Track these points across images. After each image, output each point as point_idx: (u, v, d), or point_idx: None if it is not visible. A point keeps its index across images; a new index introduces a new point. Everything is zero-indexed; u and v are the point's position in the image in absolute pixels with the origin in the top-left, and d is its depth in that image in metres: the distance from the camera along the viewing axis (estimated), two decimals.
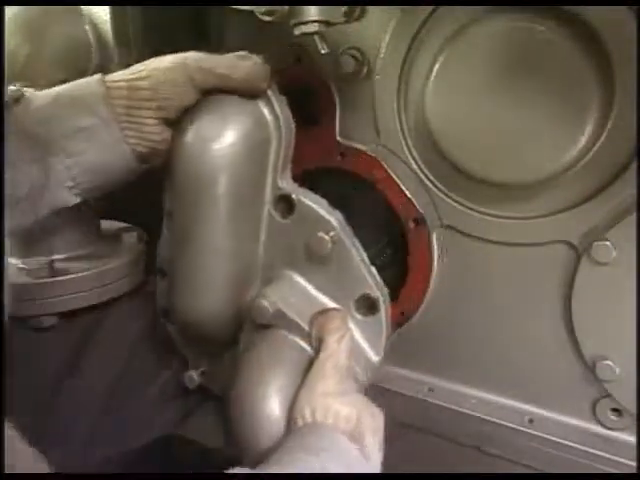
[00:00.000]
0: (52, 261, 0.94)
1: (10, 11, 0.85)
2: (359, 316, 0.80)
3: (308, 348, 0.76)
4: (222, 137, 0.72)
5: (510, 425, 0.93)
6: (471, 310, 0.93)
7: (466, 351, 0.95)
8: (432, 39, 0.83)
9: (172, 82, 0.71)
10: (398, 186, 0.92)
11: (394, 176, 0.92)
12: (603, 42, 0.73)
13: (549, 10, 0.74)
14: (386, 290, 0.81)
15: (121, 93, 0.70)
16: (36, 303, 0.91)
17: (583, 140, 0.76)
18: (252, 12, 0.70)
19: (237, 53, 0.75)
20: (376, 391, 1.03)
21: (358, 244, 0.80)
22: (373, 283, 0.79)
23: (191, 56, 0.73)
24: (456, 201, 0.89)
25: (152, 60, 0.74)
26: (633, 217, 0.76)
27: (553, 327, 0.87)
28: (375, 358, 0.81)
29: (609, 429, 0.87)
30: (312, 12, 0.68)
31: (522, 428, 0.92)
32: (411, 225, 0.93)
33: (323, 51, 0.74)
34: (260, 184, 0.78)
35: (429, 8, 0.82)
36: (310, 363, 0.73)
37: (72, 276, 0.93)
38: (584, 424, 0.89)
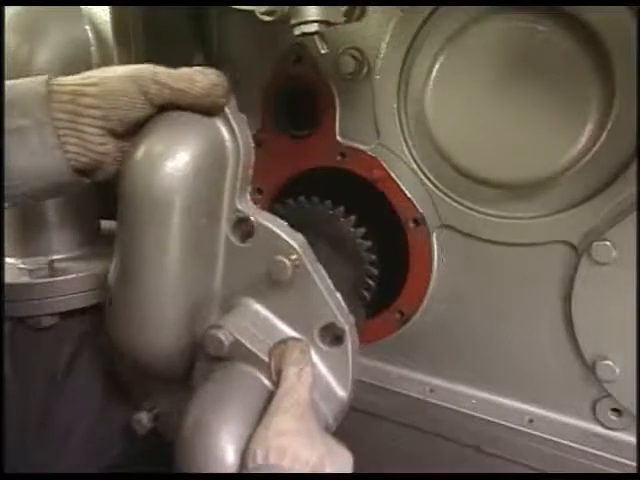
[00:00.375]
0: (52, 261, 0.94)
1: (10, 11, 0.85)
2: (324, 347, 0.74)
3: (268, 382, 0.70)
4: (174, 156, 0.67)
5: (510, 425, 0.93)
6: (471, 310, 0.93)
7: (466, 351, 0.95)
8: (432, 39, 0.83)
9: (122, 92, 0.66)
10: (398, 186, 0.92)
11: (394, 176, 0.92)
12: (603, 42, 0.73)
13: (549, 10, 0.74)
14: (352, 318, 0.76)
15: (65, 97, 0.65)
16: (36, 303, 0.91)
17: (583, 140, 0.76)
18: (252, 12, 0.70)
19: (196, 67, 0.70)
20: (376, 391, 1.03)
21: (321, 269, 0.74)
22: (338, 311, 0.73)
23: (147, 68, 0.68)
24: (456, 201, 0.89)
25: (106, 68, 0.70)
26: (633, 217, 0.76)
27: (553, 327, 0.87)
28: (342, 393, 0.75)
29: (609, 429, 0.87)
30: (312, 12, 0.68)
31: (522, 428, 0.92)
32: (411, 225, 0.93)
33: (323, 51, 0.74)
34: (216, 207, 0.73)
35: (429, 8, 0.82)
36: (270, 399, 0.66)
37: (72, 276, 0.93)
38: (584, 424, 0.89)
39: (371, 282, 1.00)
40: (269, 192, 1.04)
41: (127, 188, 0.69)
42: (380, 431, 1.04)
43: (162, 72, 0.68)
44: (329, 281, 0.75)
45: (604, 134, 0.76)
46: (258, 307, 0.75)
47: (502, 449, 0.93)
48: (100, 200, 1.04)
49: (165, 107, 0.69)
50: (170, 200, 0.68)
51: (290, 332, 0.74)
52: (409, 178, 0.91)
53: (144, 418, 0.87)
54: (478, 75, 0.80)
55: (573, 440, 0.89)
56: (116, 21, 0.82)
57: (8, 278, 0.91)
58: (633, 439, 0.85)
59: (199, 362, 0.75)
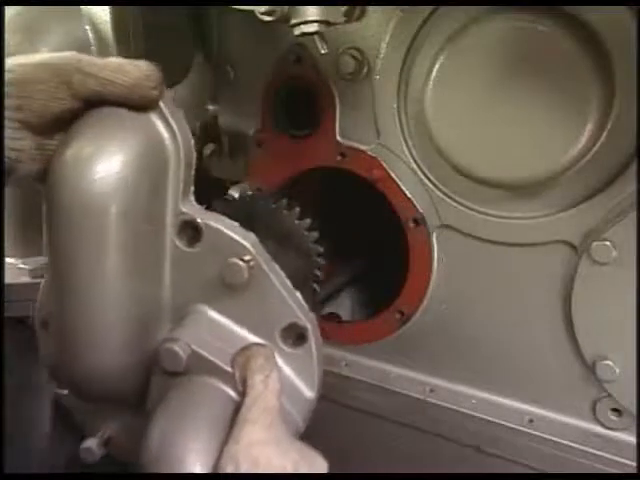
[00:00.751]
0: None
1: (10, 11, 0.85)
2: (287, 348, 0.70)
3: (233, 393, 0.65)
4: (106, 157, 0.61)
5: (510, 425, 0.93)
6: (471, 310, 0.93)
7: (466, 351, 0.95)
8: (432, 39, 0.83)
9: (39, 80, 0.59)
10: (398, 186, 0.92)
11: (394, 176, 0.92)
12: (603, 42, 0.73)
13: (549, 10, 0.74)
14: (313, 316, 0.72)
15: None
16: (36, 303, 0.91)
17: (583, 140, 0.76)
18: (252, 12, 0.70)
19: (129, 60, 0.64)
20: (376, 391, 1.03)
21: (277, 267, 0.70)
22: (299, 310, 0.69)
23: (70, 55, 0.62)
24: (456, 201, 0.89)
25: (26, 55, 0.63)
26: (633, 217, 0.76)
27: (553, 327, 0.87)
28: (309, 394, 0.71)
29: (609, 429, 0.87)
30: (312, 12, 0.68)
31: (522, 428, 0.92)
32: (411, 225, 0.93)
33: (323, 51, 0.74)
34: (159, 211, 0.67)
35: (429, 8, 0.82)
36: (237, 411, 0.62)
37: None
38: (584, 424, 0.89)
39: (320, 274, 0.97)
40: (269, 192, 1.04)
41: (54, 194, 0.61)
42: (380, 431, 1.04)
43: (86, 60, 0.61)
44: (287, 279, 0.71)
45: (604, 134, 0.76)
46: (213, 314, 0.71)
47: (502, 449, 0.93)
48: None
49: (95, 103, 0.63)
50: (104, 206, 0.61)
51: (251, 337, 0.70)
52: (409, 178, 0.91)
53: (93, 445, 0.77)
54: (478, 75, 0.80)
55: (573, 440, 0.89)
56: (116, 21, 0.82)
57: (8, 278, 0.91)
58: (633, 439, 0.85)
59: (155, 379, 0.69)
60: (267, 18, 0.69)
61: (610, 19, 0.72)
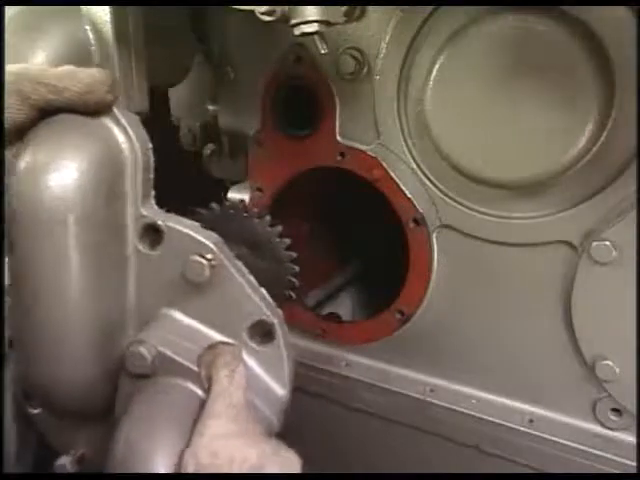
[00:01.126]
0: None
1: (10, 11, 0.85)
2: (255, 346, 0.69)
3: (200, 392, 0.64)
4: (60, 166, 0.60)
5: (510, 425, 0.93)
6: (471, 310, 0.93)
7: (466, 351, 0.95)
8: (432, 39, 0.83)
9: None
10: (398, 186, 0.92)
11: (394, 176, 0.92)
12: (603, 42, 0.73)
13: (549, 10, 0.74)
14: (280, 312, 0.71)
15: None
16: None
17: (583, 140, 0.76)
18: (252, 12, 0.70)
19: (82, 68, 0.63)
20: (376, 391, 1.03)
21: (241, 265, 0.69)
22: (265, 307, 0.68)
23: (21, 66, 0.62)
24: (456, 201, 0.89)
25: None
26: (633, 217, 0.76)
27: (553, 327, 0.87)
28: (281, 392, 0.70)
29: (609, 429, 0.87)
30: (312, 12, 0.68)
31: (522, 428, 0.92)
32: (411, 225, 0.93)
33: (323, 51, 0.74)
34: (119, 217, 0.66)
35: (429, 8, 0.82)
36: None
37: None
38: (584, 424, 0.89)
39: (295, 280, 0.99)
40: (269, 192, 1.04)
41: (12, 205, 0.61)
42: (380, 431, 1.04)
43: (38, 69, 0.62)
44: (251, 277, 0.70)
45: (604, 134, 0.76)
46: (179, 315, 0.70)
47: (502, 449, 0.93)
48: None
49: (51, 112, 0.63)
50: (61, 216, 0.60)
51: (218, 336, 0.69)
52: (409, 178, 0.91)
53: (67, 463, 0.76)
54: (478, 75, 0.80)
55: (573, 440, 0.89)
56: (116, 21, 0.82)
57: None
58: (633, 439, 0.85)
59: (122, 383, 0.68)
60: (267, 18, 0.69)
61: (610, 19, 0.72)
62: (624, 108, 0.74)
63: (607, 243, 0.78)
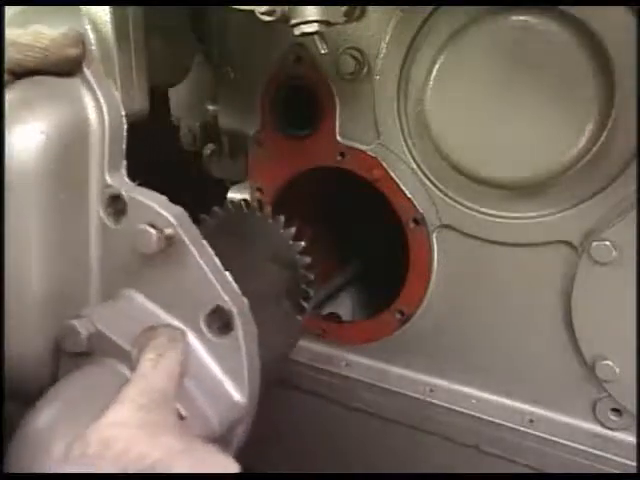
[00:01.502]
0: None
1: (10, 11, 0.85)
2: (212, 337, 0.62)
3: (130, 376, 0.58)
4: (24, 128, 0.59)
5: (510, 425, 0.93)
6: (471, 310, 0.93)
7: (466, 351, 0.95)
8: (432, 39, 0.83)
9: None
10: (398, 186, 0.92)
11: (394, 176, 0.92)
12: (603, 42, 0.73)
13: (549, 10, 0.74)
14: (246, 302, 0.63)
15: None
16: None
17: (583, 140, 0.76)
18: (252, 12, 0.70)
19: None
20: (376, 391, 1.03)
21: (206, 246, 0.63)
22: (225, 292, 0.61)
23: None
24: (456, 201, 0.89)
25: None
26: (633, 217, 0.76)
27: (553, 327, 0.87)
28: (238, 397, 0.62)
29: (609, 429, 0.87)
30: (312, 12, 0.68)
31: (522, 428, 0.92)
32: (411, 225, 0.93)
33: (323, 51, 0.74)
34: (82, 184, 0.63)
35: (429, 8, 0.82)
36: None
37: None
38: (584, 424, 0.89)
39: (310, 290, 0.92)
40: (269, 192, 1.04)
41: None
42: (380, 431, 1.04)
43: (8, 33, 0.61)
44: (216, 259, 0.63)
45: (604, 134, 0.76)
46: (138, 296, 0.64)
47: (502, 449, 0.93)
48: None
49: (24, 74, 0.62)
50: (25, 181, 0.59)
51: (172, 321, 0.63)
52: (409, 178, 0.91)
53: None
54: (478, 75, 0.80)
55: (573, 440, 0.89)
56: (116, 21, 0.82)
57: None
58: (633, 439, 0.85)
59: (62, 363, 0.63)
60: (267, 18, 0.69)
61: (610, 19, 0.72)
62: (624, 108, 0.74)
63: (607, 243, 0.78)
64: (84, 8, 0.86)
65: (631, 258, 0.78)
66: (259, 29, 0.90)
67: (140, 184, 0.67)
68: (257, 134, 1.02)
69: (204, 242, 0.63)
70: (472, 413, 0.96)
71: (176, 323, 0.63)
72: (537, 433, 0.91)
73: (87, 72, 0.64)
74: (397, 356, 1.02)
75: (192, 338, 0.63)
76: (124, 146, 0.67)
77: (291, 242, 0.90)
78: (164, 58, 0.95)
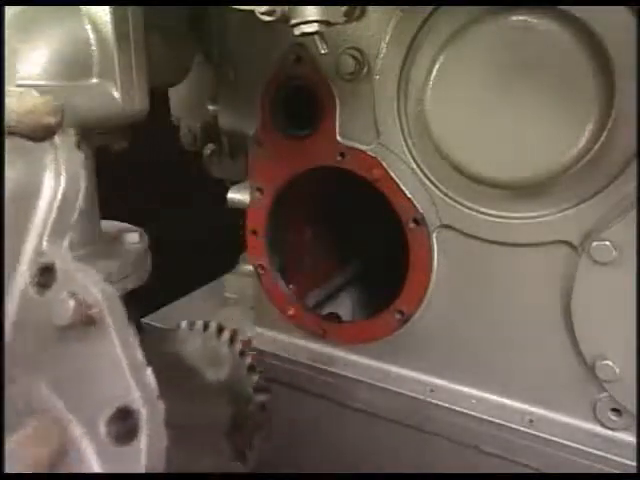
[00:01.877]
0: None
1: (10, 11, 0.85)
2: (109, 442, 0.50)
3: None
4: None
5: (510, 425, 0.93)
6: (471, 310, 0.93)
7: (466, 351, 0.95)
8: (432, 39, 0.83)
9: None
10: (398, 186, 0.92)
11: (394, 176, 0.92)
12: (603, 42, 0.73)
13: (549, 10, 0.74)
14: (160, 406, 0.50)
15: None
16: None
17: (583, 140, 0.76)
18: (252, 12, 0.70)
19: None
20: (376, 391, 1.03)
21: (132, 335, 0.53)
22: (137, 389, 0.49)
23: None
24: (456, 201, 0.89)
25: None
26: (633, 217, 0.76)
27: (553, 327, 0.87)
28: None
29: (609, 429, 0.87)
30: (312, 12, 0.68)
31: (522, 428, 0.92)
32: (411, 225, 0.93)
33: (323, 51, 0.74)
34: (16, 244, 0.59)
35: (429, 8, 0.82)
36: None
37: None
38: (584, 424, 0.89)
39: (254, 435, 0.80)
40: (269, 192, 1.04)
41: None
42: (380, 431, 1.04)
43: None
44: (139, 352, 0.53)
45: (604, 134, 0.76)
46: (42, 382, 0.55)
47: (502, 449, 0.93)
48: (101, 200, 1.04)
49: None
50: None
51: (66, 415, 0.52)
52: (409, 178, 0.91)
53: None
54: (478, 75, 0.80)
55: (573, 440, 0.89)
56: (116, 21, 0.82)
57: None
58: (633, 439, 0.85)
59: None
60: (267, 18, 0.69)
61: (610, 19, 0.72)
62: (624, 108, 0.74)
63: (607, 243, 0.78)
64: (84, 8, 0.86)
65: (631, 258, 0.78)
66: (259, 29, 0.90)
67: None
68: (257, 134, 1.02)
69: (130, 330, 0.55)
70: (472, 413, 0.95)
71: (74, 422, 0.52)
72: (537, 433, 0.91)
73: (58, 140, 0.63)
74: (397, 356, 1.02)
75: (84, 441, 0.52)
76: (74, 218, 0.63)
77: (245, 373, 0.81)
78: (164, 58, 0.95)
